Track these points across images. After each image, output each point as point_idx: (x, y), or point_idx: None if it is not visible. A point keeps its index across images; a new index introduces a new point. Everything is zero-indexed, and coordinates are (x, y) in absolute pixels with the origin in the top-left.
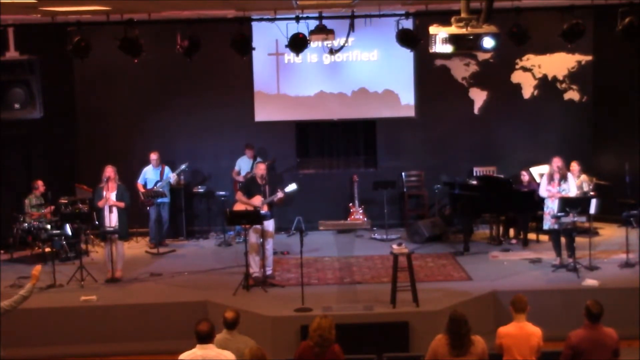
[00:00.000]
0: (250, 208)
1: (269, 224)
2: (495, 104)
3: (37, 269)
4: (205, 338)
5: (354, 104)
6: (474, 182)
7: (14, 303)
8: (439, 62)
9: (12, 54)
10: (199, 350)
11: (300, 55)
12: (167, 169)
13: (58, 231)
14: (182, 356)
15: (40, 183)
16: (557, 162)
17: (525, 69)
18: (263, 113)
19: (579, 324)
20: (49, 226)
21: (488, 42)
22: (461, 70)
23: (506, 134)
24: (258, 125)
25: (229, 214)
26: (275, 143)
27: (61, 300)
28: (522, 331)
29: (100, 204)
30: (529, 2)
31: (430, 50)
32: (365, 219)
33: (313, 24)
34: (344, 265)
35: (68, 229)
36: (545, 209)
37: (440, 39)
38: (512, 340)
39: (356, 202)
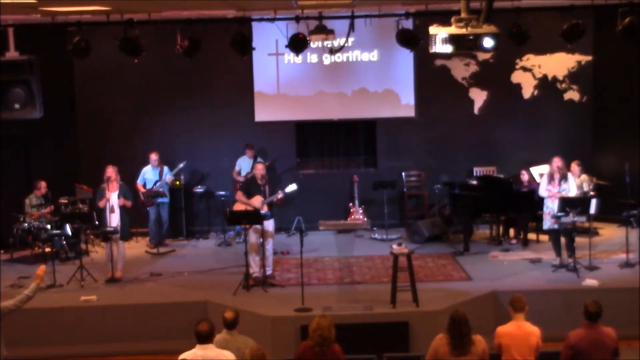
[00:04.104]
0: (249, 208)
1: (269, 224)
2: (495, 104)
3: (42, 269)
4: (205, 338)
5: (353, 104)
6: (474, 182)
7: (19, 302)
8: (439, 62)
9: (12, 54)
10: (199, 351)
11: (300, 55)
12: (166, 168)
13: (58, 231)
14: (182, 356)
15: (43, 184)
16: (557, 162)
17: (525, 69)
18: (263, 113)
19: (579, 324)
20: (49, 226)
21: (488, 42)
22: (461, 70)
23: (506, 134)
24: (258, 125)
25: (229, 214)
26: (275, 143)
27: (61, 300)
28: (521, 330)
29: (101, 204)
30: (529, 2)
31: (430, 50)
32: (365, 219)
33: (313, 24)
34: (344, 265)
35: (68, 229)
36: (545, 209)
37: (440, 39)
38: (511, 339)
39: (356, 202)
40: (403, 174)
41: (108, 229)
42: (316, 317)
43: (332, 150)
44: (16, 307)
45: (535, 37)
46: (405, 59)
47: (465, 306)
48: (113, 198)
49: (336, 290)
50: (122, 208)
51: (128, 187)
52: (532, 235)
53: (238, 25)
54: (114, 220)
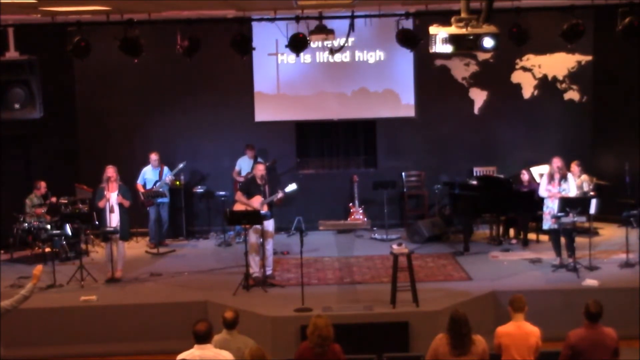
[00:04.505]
0: (249, 208)
1: (269, 224)
2: (495, 104)
3: (39, 268)
4: (203, 338)
5: (354, 104)
6: (474, 182)
7: (15, 303)
8: (439, 62)
9: (12, 54)
10: (196, 351)
11: (301, 55)
12: (166, 168)
13: (58, 231)
14: (180, 356)
15: (42, 184)
16: (557, 162)
17: (525, 69)
18: (263, 113)
19: (578, 324)
20: (49, 226)
21: (488, 42)
22: (461, 70)
23: (506, 134)
24: (258, 125)
25: (229, 214)
26: (275, 143)
27: (61, 300)
28: (521, 330)
29: (101, 204)
30: (529, 2)
31: (430, 50)
32: (365, 219)
33: (313, 24)
34: (344, 265)
35: (68, 229)
36: (545, 209)
37: (440, 39)
38: (511, 339)
39: (356, 202)
40: (403, 174)
41: (108, 229)
42: (312, 318)
43: (332, 150)
44: (13, 308)
45: (535, 37)
46: (405, 59)
47: (465, 306)
48: (112, 198)
49: (336, 290)
50: (121, 208)
51: (127, 187)
52: (532, 235)
53: (238, 25)
54: (114, 220)
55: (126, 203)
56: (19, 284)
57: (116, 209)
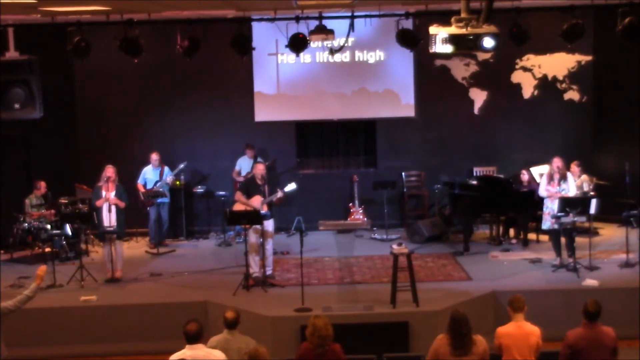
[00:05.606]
0: (249, 208)
1: (269, 224)
2: (495, 104)
3: (42, 269)
4: (194, 338)
5: (353, 103)
6: (474, 182)
7: (19, 303)
8: (439, 62)
9: (12, 54)
10: (188, 351)
11: (301, 55)
12: (166, 169)
13: (58, 231)
14: (172, 357)
15: (42, 184)
16: (557, 162)
17: (525, 69)
18: (263, 113)
19: (578, 324)
20: (49, 226)
21: (488, 42)
22: (461, 70)
23: (506, 134)
24: (258, 125)
25: (229, 214)
26: (275, 143)
27: (61, 300)
28: (521, 330)
29: (98, 203)
30: (529, 2)
31: (430, 50)
32: (365, 219)
33: (313, 24)
34: (344, 265)
35: (68, 229)
36: (545, 209)
37: (440, 39)
38: (511, 339)
39: (356, 202)
40: (403, 174)
41: (108, 228)
42: (310, 319)
43: (332, 150)
44: (16, 308)
45: (535, 37)
46: (405, 59)
47: (465, 306)
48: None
49: (336, 290)
50: (117, 208)
51: (124, 188)
52: (532, 235)
53: (238, 25)
54: (112, 219)
55: (121, 204)
56: (19, 284)
57: (113, 208)
